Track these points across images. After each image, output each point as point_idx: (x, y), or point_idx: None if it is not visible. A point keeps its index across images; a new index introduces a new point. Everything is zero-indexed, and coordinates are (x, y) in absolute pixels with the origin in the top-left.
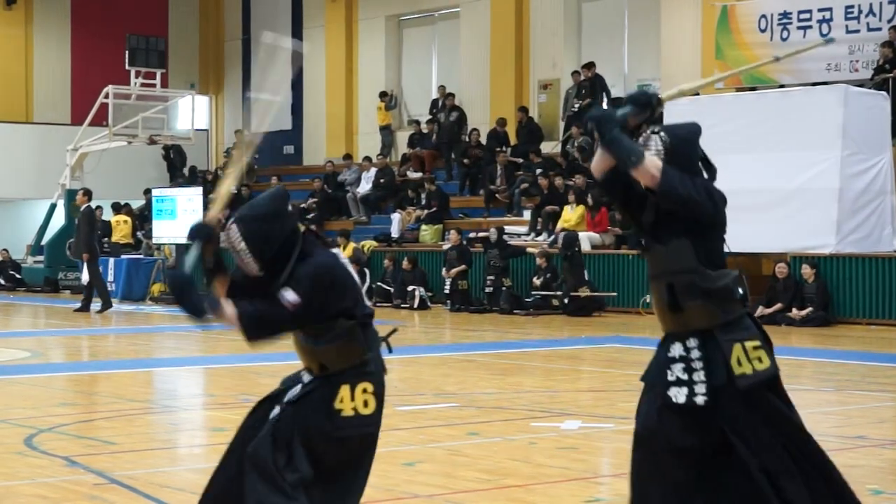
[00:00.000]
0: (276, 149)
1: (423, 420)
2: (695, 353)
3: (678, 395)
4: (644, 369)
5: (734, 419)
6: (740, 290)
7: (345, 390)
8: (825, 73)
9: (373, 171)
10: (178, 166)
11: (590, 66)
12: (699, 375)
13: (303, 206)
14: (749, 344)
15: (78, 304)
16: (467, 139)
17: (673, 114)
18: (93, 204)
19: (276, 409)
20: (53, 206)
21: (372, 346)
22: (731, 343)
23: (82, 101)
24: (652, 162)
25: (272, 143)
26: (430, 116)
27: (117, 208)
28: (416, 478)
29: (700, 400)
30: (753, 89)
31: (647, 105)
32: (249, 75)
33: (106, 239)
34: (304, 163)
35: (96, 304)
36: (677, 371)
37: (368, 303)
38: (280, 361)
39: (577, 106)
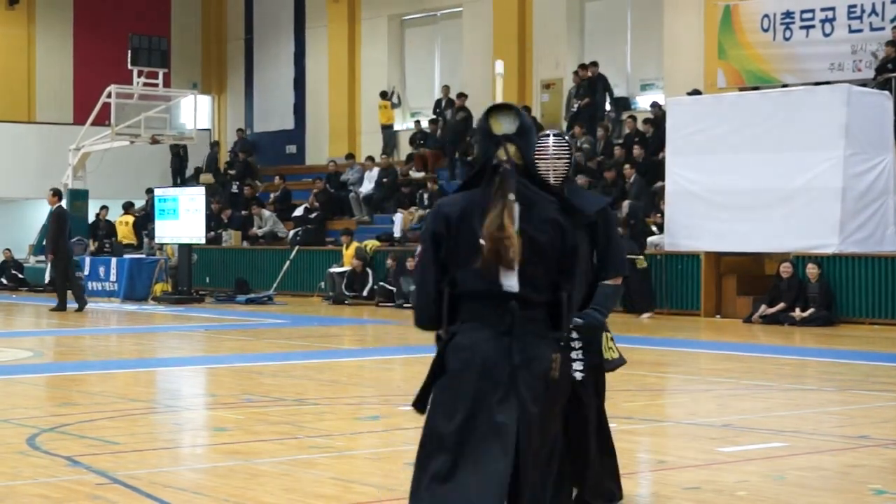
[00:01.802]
0: (278, 148)
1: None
2: (576, 344)
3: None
4: (645, 369)
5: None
6: None
7: None
8: (828, 73)
9: (375, 170)
10: (184, 166)
11: (593, 65)
12: (577, 355)
13: (305, 205)
14: (609, 334)
15: (76, 305)
16: (471, 139)
17: (675, 113)
18: (98, 203)
19: None
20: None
21: None
22: (602, 332)
23: (85, 100)
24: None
25: (275, 142)
26: (433, 116)
27: (127, 208)
28: None
29: (577, 375)
30: (756, 89)
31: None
32: (252, 75)
33: (110, 239)
34: (306, 162)
35: (100, 303)
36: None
37: None
38: (280, 362)
39: (576, 106)
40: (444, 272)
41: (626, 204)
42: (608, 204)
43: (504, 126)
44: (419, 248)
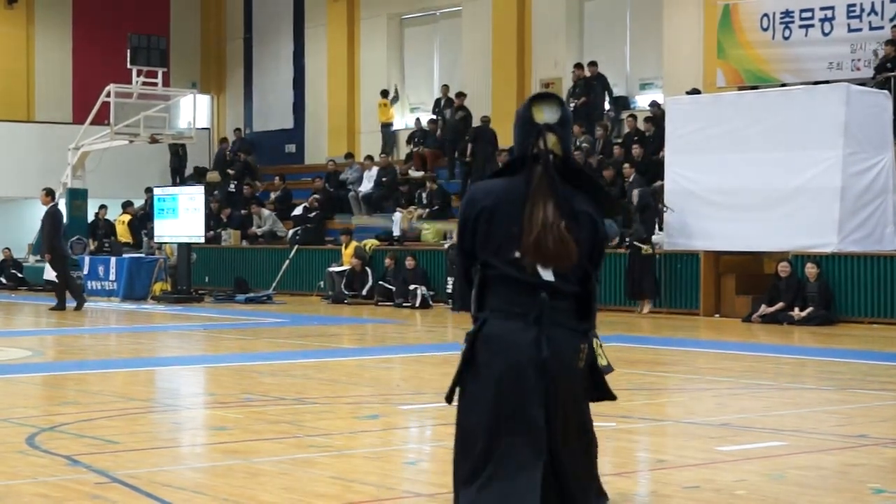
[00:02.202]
0: (277, 148)
1: (424, 419)
2: None
3: None
4: (644, 368)
5: None
6: None
7: None
8: (827, 72)
9: (374, 169)
10: (183, 165)
11: (592, 64)
12: None
13: (304, 204)
14: (598, 341)
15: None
16: (469, 139)
17: (674, 112)
18: (97, 203)
19: None
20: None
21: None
22: (593, 338)
23: (84, 99)
24: None
25: (274, 141)
26: (432, 115)
27: (125, 207)
28: (418, 476)
29: None
30: (755, 88)
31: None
32: (251, 74)
33: (110, 238)
34: (305, 161)
35: (99, 302)
36: None
37: None
38: (279, 361)
39: (573, 105)
40: (475, 257)
41: (636, 192)
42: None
43: (546, 115)
44: (455, 234)
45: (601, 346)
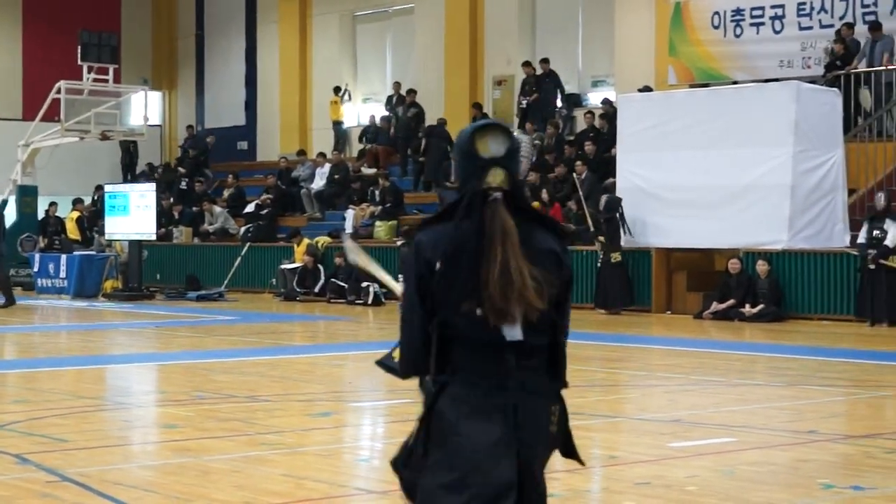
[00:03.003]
0: (229, 144)
1: (376, 416)
2: None
3: None
4: (597, 365)
5: None
6: None
7: None
8: (777, 70)
9: (327, 166)
10: (134, 162)
11: (544, 62)
12: None
13: (256, 202)
14: None
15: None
16: (422, 136)
17: (626, 110)
18: (47, 200)
19: None
20: (5, 202)
21: None
22: None
23: (34, 96)
24: None
25: (226, 138)
26: (385, 113)
27: (76, 204)
28: (369, 474)
29: None
30: (706, 86)
31: None
32: (203, 71)
33: (60, 235)
34: (257, 158)
35: (50, 300)
36: None
37: None
38: (231, 358)
39: (524, 102)
40: (432, 315)
41: (603, 198)
42: None
43: (492, 148)
44: (402, 285)
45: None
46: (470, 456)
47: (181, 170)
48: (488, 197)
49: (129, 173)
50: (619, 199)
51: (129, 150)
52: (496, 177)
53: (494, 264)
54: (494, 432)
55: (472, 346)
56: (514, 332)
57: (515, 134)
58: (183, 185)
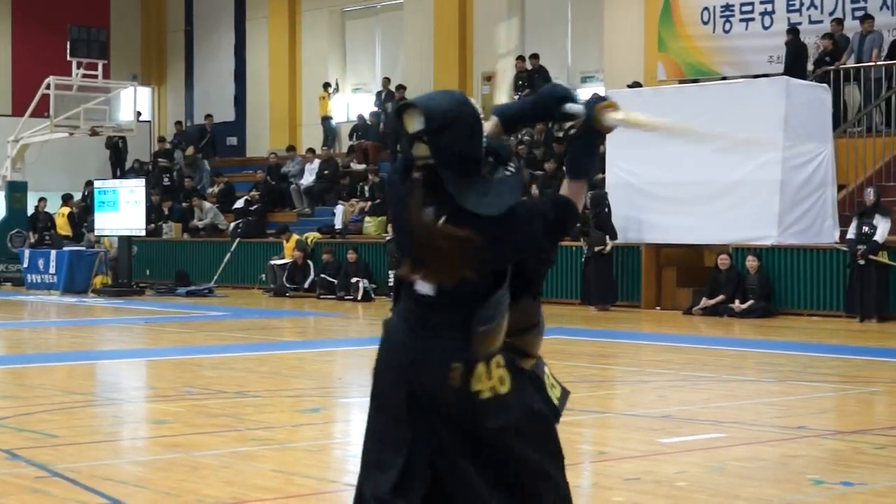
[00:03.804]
0: (219, 140)
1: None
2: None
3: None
4: (586, 361)
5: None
6: None
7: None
8: (767, 66)
9: (316, 162)
10: (123, 157)
11: (534, 57)
12: None
13: (246, 197)
14: (548, 369)
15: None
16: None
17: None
18: (37, 196)
19: None
20: None
21: None
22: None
23: (23, 91)
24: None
25: (215, 134)
26: (374, 108)
27: (66, 200)
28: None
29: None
30: (696, 81)
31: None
32: (192, 67)
33: (50, 231)
34: (247, 154)
35: (39, 295)
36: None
37: None
38: (221, 354)
39: (515, 97)
40: None
41: (589, 194)
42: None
43: (414, 124)
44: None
45: (550, 375)
46: (379, 376)
47: (162, 161)
48: (414, 166)
49: (118, 169)
50: (605, 194)
51: (118, 147)
52: (419, 149)
53: (407, 229)
54: (396, 364)
55: (406, 289)
56: (422, 287)
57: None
58: (165, 180)
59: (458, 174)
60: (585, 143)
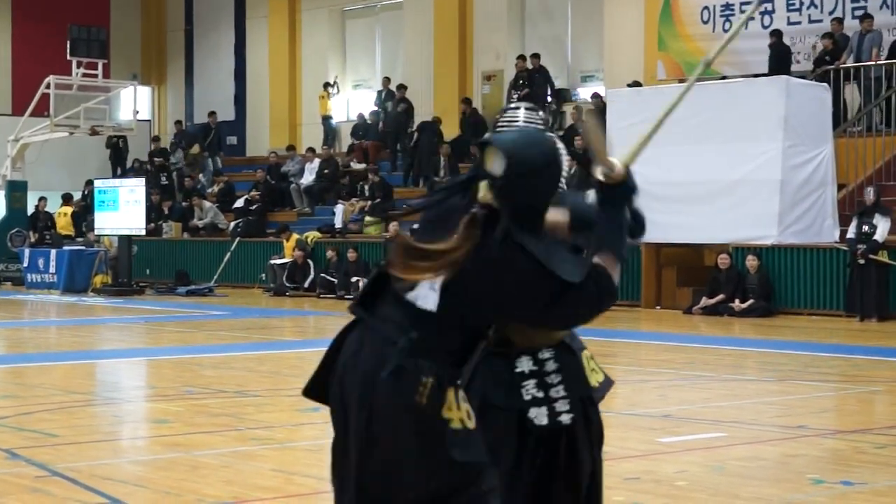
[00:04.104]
0: (203, 139)
1: None
2: (549, 366)
3: (539, 416)
4: None
5: (592, 437)
6: None
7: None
8: (767, 65)
9: (316, 161)
10: (124, 157)
11: (535, 56)
12: (557, 390)
13: (246, 197)
14: (588, 353)
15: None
16: (413, 131)
17: (615, 105)
18: (37, 195)
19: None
20: None
21: None
22: (580, 351)
23: (23, 91)
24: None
25: (201, 132)
26: (374, 108)
27: (66, 199)
28: None
29: (565, 418)
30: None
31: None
32: (192, 66)
33: (50, 230)
34: (247, 153)
35: (39, 295)
36: (531, 389)
37: None
38: (221, 353)
39: (516, 97)
40: None
41: (589, 194)
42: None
43: (493, 164)
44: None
45: (591, 357)
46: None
47: (158, 160)
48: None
49: (119, 168)
50: None
51: (118, 146)
52: (484, 193)
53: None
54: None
55: (392, 295)
56: (425, 300)
57: (524, 108)
58: (163, 179)
59: (514, 221)
60: (606, 208)
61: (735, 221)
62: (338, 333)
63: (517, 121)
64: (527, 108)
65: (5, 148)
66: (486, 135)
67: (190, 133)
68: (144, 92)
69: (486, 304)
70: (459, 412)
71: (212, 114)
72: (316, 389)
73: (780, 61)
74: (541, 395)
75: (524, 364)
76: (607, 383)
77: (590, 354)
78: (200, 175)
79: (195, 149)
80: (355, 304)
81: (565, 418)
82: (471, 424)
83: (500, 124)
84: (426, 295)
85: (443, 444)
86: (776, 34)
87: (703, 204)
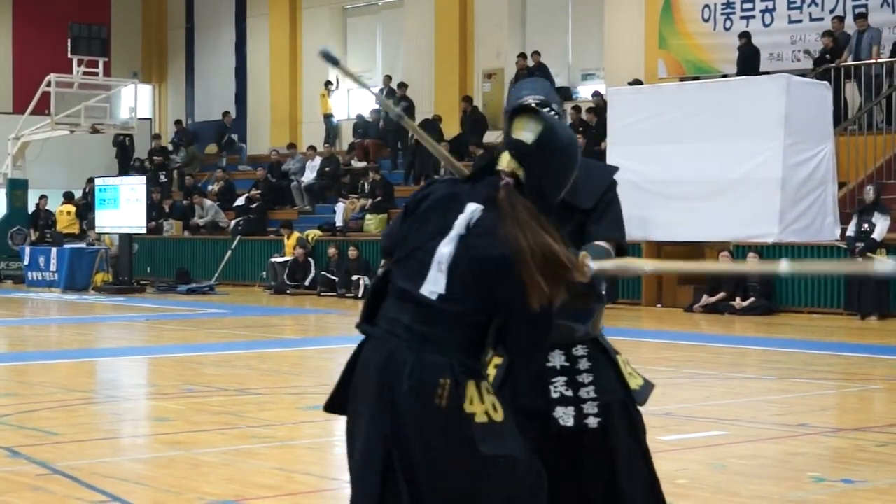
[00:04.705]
0: (219, 137)
1: None
2: (582, 364)
3: (565, 416)
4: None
5: (619, 442)
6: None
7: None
8: (767, 63)
9: (317, 159)
10: (130, 155)
11: (535, 54)
12: (588, 391)
13: (247, 195)
14: (622, 357)
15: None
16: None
17: (616, 103)
18: (37, 193)
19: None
20: None
21: None
22: (616, 354)
23: (24, 89)
24: None
25: (215, 131)
26: (375, 106)
27: (68, 198)
28: None
29: (592, 422)
30: (696, 79)
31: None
32: (193, 64)
33: (51, 229)
34: (248, 152)
35: (40, 293)
36: (560, 387)
37: None
38: (221, 352)
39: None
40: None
41: None
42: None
43: (524, 131)
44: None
45: (626, 361)
46: (358, 418)
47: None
48: (499, 180)
49: (125, 166)
50: None
51: (125, 145)
52: (509, 162)
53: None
54: (372, 395)
55: (394, 294)
56: (429, 287)
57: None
58: (162, 177)
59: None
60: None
61: (736, 219)
62: (353, 352)
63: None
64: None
65: (6, 146)
66: (518, 102)
67: (190, 131)
68: (145, 90)
69: (488, 291)
70: (483, 405)
71: (226, 114)
72: (334, 405)
73: (747, 62)
74: (570, 393)
75: (556, 359)
76: (648, 386)
77: (625, 359)
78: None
79: (211, 148)
80: (360, 321)
81: (592, 422)
82: (498, 417)
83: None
84: (435, 279)
85: (472, 442)
86: (745, 36)
87: (704, 202)
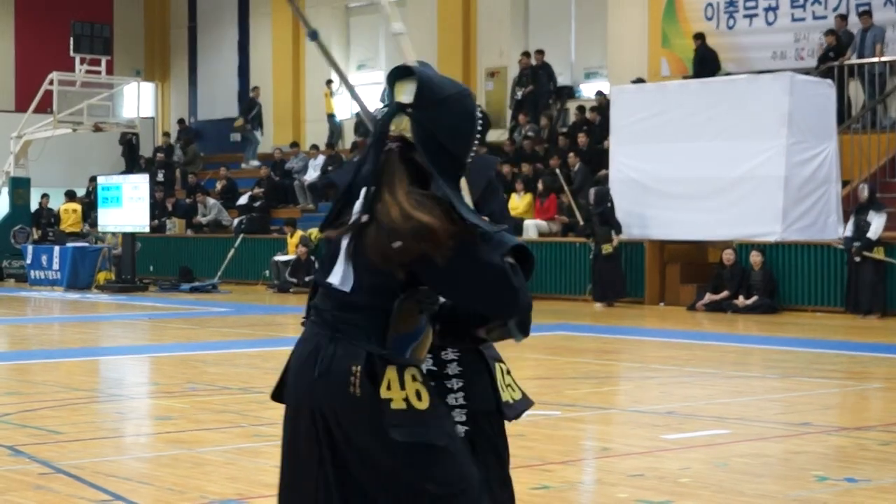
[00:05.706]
0: (222, 136)
1: None
2: (451, 369)
3: None
4: (590, 357)
5: (486, 454)
6: None
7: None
8: (770, 61)
9: (320, 158)
10: (136, 154)
11: (539, 53)
12: (456, 398)
13: (250, 194)
14: (504, 366)
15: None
16: None
17: (619, 102)
18: (40, 191)
19: None
20: None
21: None
22: (494, 362)
23: (26, 87)
24: None
25: (219, 130)
26: (379, 105)
27: (71, 196)
28: None
29: (459, 430)
30: (699, 77)
31: None
32: (196, 63)
33: (53, 227)
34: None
35: (42, 291)
36: None
37: None
38: (224, 350)
39: (520, 94)
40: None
41: (592, 191)
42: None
43: (404, 93)
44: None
45: (507, 372)
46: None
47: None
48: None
49: (132, 165)
50: (608, 190)
51: (132, 143)
52: (400, 122)
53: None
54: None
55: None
56: (336, 275)
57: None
58: (160, 176)
59: (433, 164)
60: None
61: (739, 218)
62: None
63: None
64: None
65: (9, 144)
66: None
67: (193, 130)
68: (148, 88)
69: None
70: (403, 391)
71: (255, 88)
72: (278, 394)
73: (702, 64)
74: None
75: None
76: (525, 402)
77: (506, 368)
78: (246, 150)
79: (239, 122)
80: (304, 315)
81: (459, 430)
82: (422, 405)
83: None
84: (343, 269)
85: (386, 427)
86: (700, 37)
87: (707, 200)
